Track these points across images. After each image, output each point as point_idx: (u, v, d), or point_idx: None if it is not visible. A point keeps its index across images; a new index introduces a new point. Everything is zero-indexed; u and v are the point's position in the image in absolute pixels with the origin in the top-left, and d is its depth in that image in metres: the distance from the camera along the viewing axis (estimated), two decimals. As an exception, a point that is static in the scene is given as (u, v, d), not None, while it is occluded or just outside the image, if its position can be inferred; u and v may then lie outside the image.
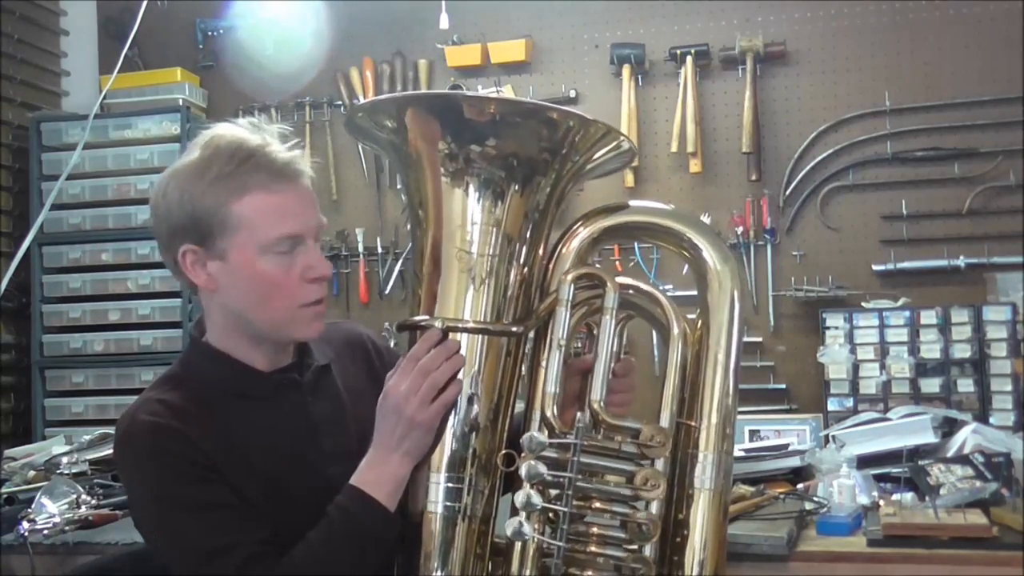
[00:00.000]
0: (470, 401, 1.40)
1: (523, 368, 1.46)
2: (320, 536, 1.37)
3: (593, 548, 1.37)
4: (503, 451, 1.40)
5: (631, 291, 1.46)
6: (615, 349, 1.45)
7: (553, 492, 1.36)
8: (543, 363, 1.40)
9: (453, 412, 1.39)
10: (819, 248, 3.68)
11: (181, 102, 3.91)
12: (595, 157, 1.45)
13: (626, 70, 3.77)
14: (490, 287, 1.41)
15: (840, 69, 3.68)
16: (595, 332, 1.46)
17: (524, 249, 1.43)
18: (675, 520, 1.40)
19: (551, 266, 1.46)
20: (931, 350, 3.24)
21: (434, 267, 1.42)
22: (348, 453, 1.45)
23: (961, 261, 3.48)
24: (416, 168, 1.43)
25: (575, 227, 1.47)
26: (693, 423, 1.42)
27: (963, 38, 3.58)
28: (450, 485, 1.39)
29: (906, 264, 3.56)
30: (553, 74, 3.93)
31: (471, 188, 1.40)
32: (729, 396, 1.44)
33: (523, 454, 1.35)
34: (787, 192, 3.69)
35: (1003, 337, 3.19)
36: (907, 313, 3.30)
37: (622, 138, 1.43)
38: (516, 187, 1.41)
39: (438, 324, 1.38)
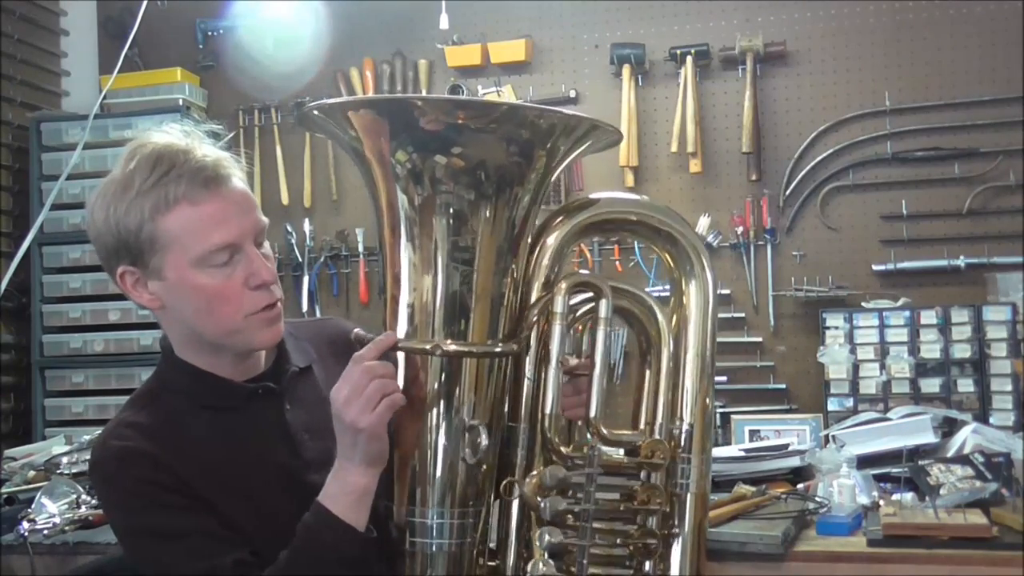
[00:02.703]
0: (469, 431, 1.31)
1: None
2: (288, 556, 1.33)
3: (597, 570, 1.32)
4: (506, 480, 1.32)
5: (620, 296, 1.41)
6: (583, 348, 1.42)
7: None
8: (538, 380, 1.33)
9: (452, 444, 1.30)
10: (819, 248, 3.67)
11: (181, 102, 3.91)
12: (572, 149, 1.35)
13: (626, 70, 3.77)
14: (474, 303, 1.31)
15: (840, 69, 3.68)
16: (584, 336, 1.41)
17: (504, 258, 1.33)
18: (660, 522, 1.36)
19: (531, 274, 1.37)
20: (931, 350, 3.24)
21: (402, 281, 1.33)
22: (332, 458, 1.39)
23: (961, 261, 3.48)
24: (376, 175, 1.32)
25: (544, 234, 1.38)
26: (673, 425, 1.38)
27: (963, 38, 3.58)
28: (455, 521, 1.31)
29: (906, 264, 3.55)
30: (553, 74, 3.93)
31: (440, 198, 1.29)
32: (709, 395, 1.39)
33: (533, 487, 1.28)
34: (787, 192, 3.69)
35: (1003, 337, 3.18)
36: (907, 313, 3.29)
37: (599, 128, 1.33)
38: (488, 194, 1.30)
39: (432, 349, 1.28)
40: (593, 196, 1.44)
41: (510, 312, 1.35)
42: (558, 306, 1.33)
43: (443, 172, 1.28)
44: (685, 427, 1.37)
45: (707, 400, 1.39)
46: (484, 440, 1.30)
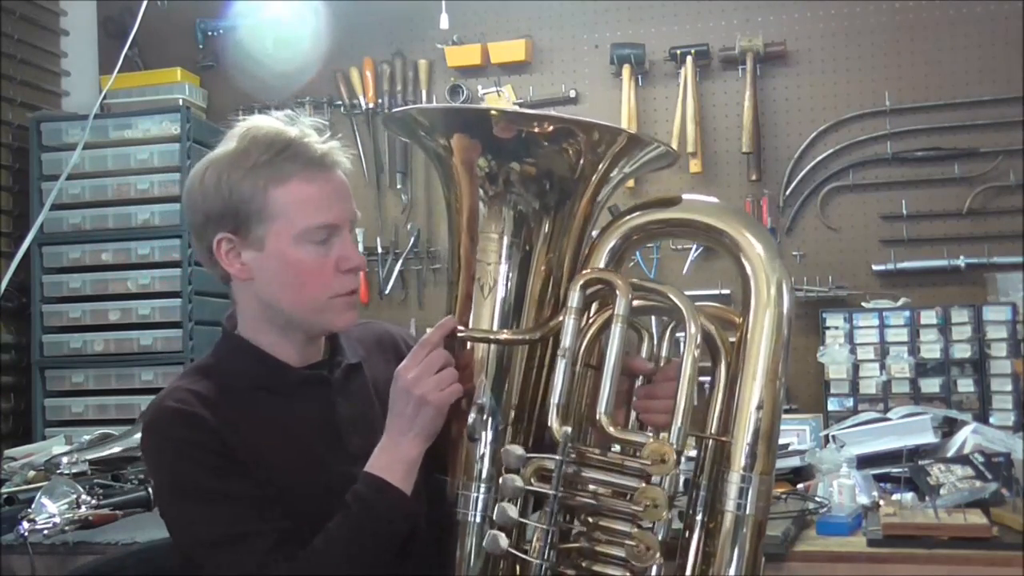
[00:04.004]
0: (501, 410, 1.38)
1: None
2: (338, 524, 1.38)
3: (595, 567, 1.31)
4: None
5: (646, 293, 1.38)
6: (664, 354, 1.42)
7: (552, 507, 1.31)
8: (551, 371, 1.35)
9: (485, 421, 1.37)
10: (819, 248, 3.67)
11: (181, 102, 3.89)
12: (630, 165, 1.41)
13: (626, 70, 3.77)
14: (519, 296, 1.39)
15: (840, 69, 3.68)
16: (643, 335, 1.43)
17: (556, 255, 1.40)
18: (704, 543, 1.32)
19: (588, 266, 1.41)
20: (931, 350, 3.24)
21: (463, 275, 1.41)
22: (371, 454, 1.44)
23: (961, 261, 3.48)
24: (453, 177, 1.41)
25: (610, 226, 1.41)
26: (726, 438, 1.31)
27: (963, 38, 3.58)
28: (491, 497, 1.36)
29: (906, 264, 3.55)
30: (553, 74, 3.93)
31: (504, 200, 1.38)
32: (765, 410, 1.32)
33: (503, 468, 1.31)
34: (787, 192, 3.69)
35: (1003, 337, 3.18)
36: (907, 313, 3.29)
37: (660, 147, 1.39)
38: (550, 199, 1.38)
39: (484, 336, 1.38)
40: (683, 196, 1.44)
41: (550, 303, 1.41)
42: (572, 300, 1.35)
43: (519, 179, 1.36)
44: (735, 440, 1.31)
45: (771, 418, 1.32)
46: (479, 418, 1.37)
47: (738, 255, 1.38)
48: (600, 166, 1.38)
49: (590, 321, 1.38)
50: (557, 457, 1.30)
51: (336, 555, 1.36)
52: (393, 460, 1.39)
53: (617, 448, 1.35)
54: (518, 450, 1.31)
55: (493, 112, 1.41)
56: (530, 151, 1.35)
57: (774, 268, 1.38)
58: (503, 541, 1.30)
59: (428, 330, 1.42)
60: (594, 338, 1.38)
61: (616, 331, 1.33)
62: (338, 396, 1.51)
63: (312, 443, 1.47)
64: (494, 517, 1.31)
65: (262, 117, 1.49)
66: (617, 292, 1.34)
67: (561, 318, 1.36)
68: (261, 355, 1.50)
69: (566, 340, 1.33)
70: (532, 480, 1.32)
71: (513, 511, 1.29)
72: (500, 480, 1.31)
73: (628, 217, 1.42)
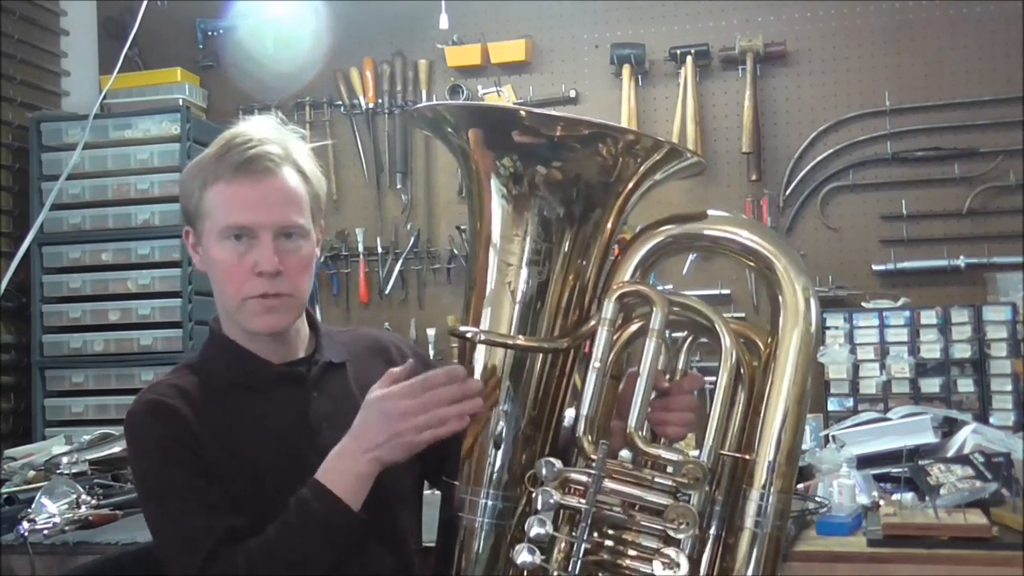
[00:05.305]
0: (517, 417, 1.37)
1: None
2: (277, 527, 1.39)
3: None
4: (530, 472, 1.34)
5: (679, 308, 1.36)
6: (680, 367, 1.42)
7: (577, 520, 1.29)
8: (582, 382, 1.33)
9: (503, 428, 1.36)
10: (819, 248, 3.67)
11: (181, 102, 3.90)
12: (660, 174, 1.38)
13: (626, 70, 3.77)
14: (540, 301, 1.36)
15: (840, 69, 3.69)
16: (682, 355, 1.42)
17: (581, 262, 1.37)
18: (722, 559, 1.32)
19: (612, 279, 1.39)
20: (931, 350, 3.24)
21: (485, 278, 1.39)
22: None
23: (961, 261, 3.48)
24: (476, 178, 1.39)
25: (639, 236, 1.39)
26: (748, 456, 1.32)
27: (963, 38, 3.58)
28: (500, 504, 1.36)
29: (906, 264, 3.56)
30: (553, 74, 3.93)
31: (529, 203, 1.35)
32: (788, 430, 1.31)
33: (540, 481, 1.30)
34: (787, 192, 3.69)
35: (1003, 337, 3.19)
36: (907, 313, 3.29)
37: (690, 155, 1.37)
38: (576, 204, 1.35)
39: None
40: (710, 212, 1.41)
41: (574, 311, 1.39)
42: (606, 312, 1.33)
43: (543, 181, 1.34)
44: (757, 458, 1.31)
45: (794, 437, 1.31)
46: (521, 424, 1.36)
47: (769, 276, 1.36)
48: (634, 174, 1.34)
49: (618, 333, 1.37)
50: (593, 471, 1.28)
51: (272, 556, 1.37)
52: (346, 471, 1.38)
53: (628, 458, 1.34)
54: (557, 463, 1.29)
55: (522, 112, 1.37)
56: (562, 155, 1.32)
57: (806, 289, 1.35)
58: (537, 556, 1.27)
59: (452, 347, 1.39)
60: (620, 350, 1.38)
61: (651, 346, 1.31)
62: (314, 393, 1.54)
63: (284, 439, 1.49)
64: (527, 530, 1.27)
65: (253, 119, 1.56)
66: (654, 307, 1.32)
67: (593, 323, 1.34)
68: (241, 352, 1.54)
69: (598, 352, 1.32)
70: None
71: (549, 525, 1.27)
72: (535, 493, 1.28)
73: (662, 228, 1.39)
